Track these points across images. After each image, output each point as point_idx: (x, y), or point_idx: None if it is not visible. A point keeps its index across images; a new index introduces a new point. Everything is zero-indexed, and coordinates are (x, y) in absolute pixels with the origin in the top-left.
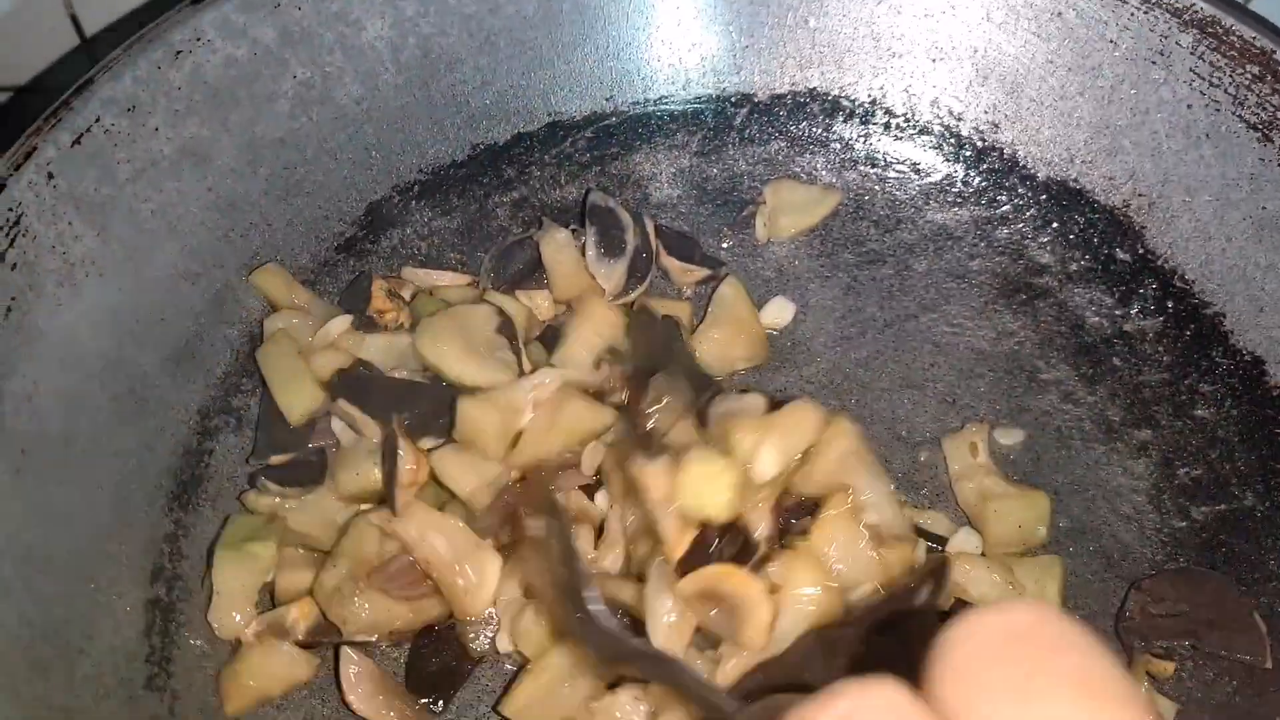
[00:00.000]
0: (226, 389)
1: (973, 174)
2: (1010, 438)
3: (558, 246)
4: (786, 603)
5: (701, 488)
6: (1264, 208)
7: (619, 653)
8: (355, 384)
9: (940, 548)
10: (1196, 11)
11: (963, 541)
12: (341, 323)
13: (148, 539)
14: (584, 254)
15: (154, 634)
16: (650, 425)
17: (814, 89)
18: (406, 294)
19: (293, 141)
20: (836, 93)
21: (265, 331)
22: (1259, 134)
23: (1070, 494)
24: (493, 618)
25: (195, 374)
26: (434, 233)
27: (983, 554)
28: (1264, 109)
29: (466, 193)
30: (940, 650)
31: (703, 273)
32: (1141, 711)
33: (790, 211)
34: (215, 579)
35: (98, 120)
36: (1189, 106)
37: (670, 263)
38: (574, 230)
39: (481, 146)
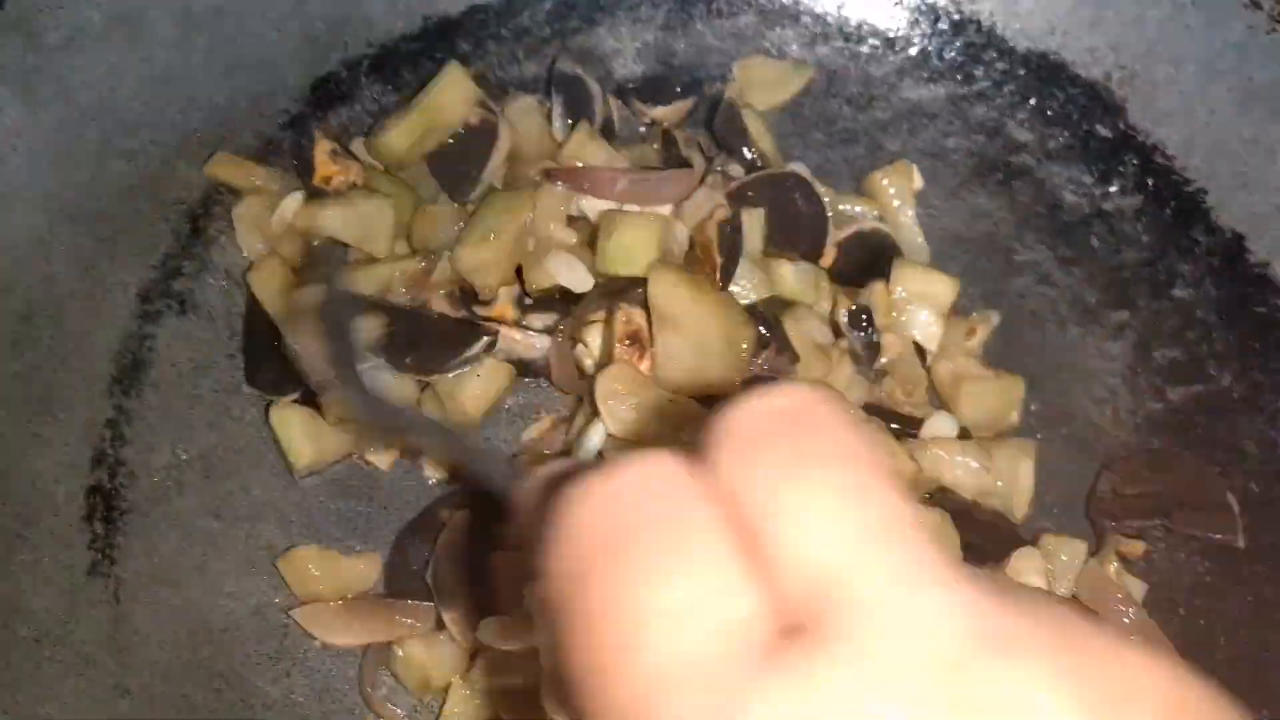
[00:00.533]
0: (167, 272)
1: (949, 48)
2: (985, 321)
3: (522, 113)
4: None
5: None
6: (1251, 78)
7: (393, 423)
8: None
9: (914, 433)
10: None
11: (937, 426)
12: (293, 201)
13: (87, 424)
14: (550, 123)
15: (96, 520)
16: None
17: None
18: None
19: (232, 11)
20: None
21: (235, 222)
22: (1247, 0)
23: (1045, 377)
24: None
25: (133, 255)
26: (385, 109)
27: (958, 437)
28: None
29: (419, 68)
30: (717, 425)
31: (687, 104)
32: (899, 478)
33: (760, 88)
34: None
35: None
36: None
37: (650, 110)
38: (539, 100)
39: (434, 19)
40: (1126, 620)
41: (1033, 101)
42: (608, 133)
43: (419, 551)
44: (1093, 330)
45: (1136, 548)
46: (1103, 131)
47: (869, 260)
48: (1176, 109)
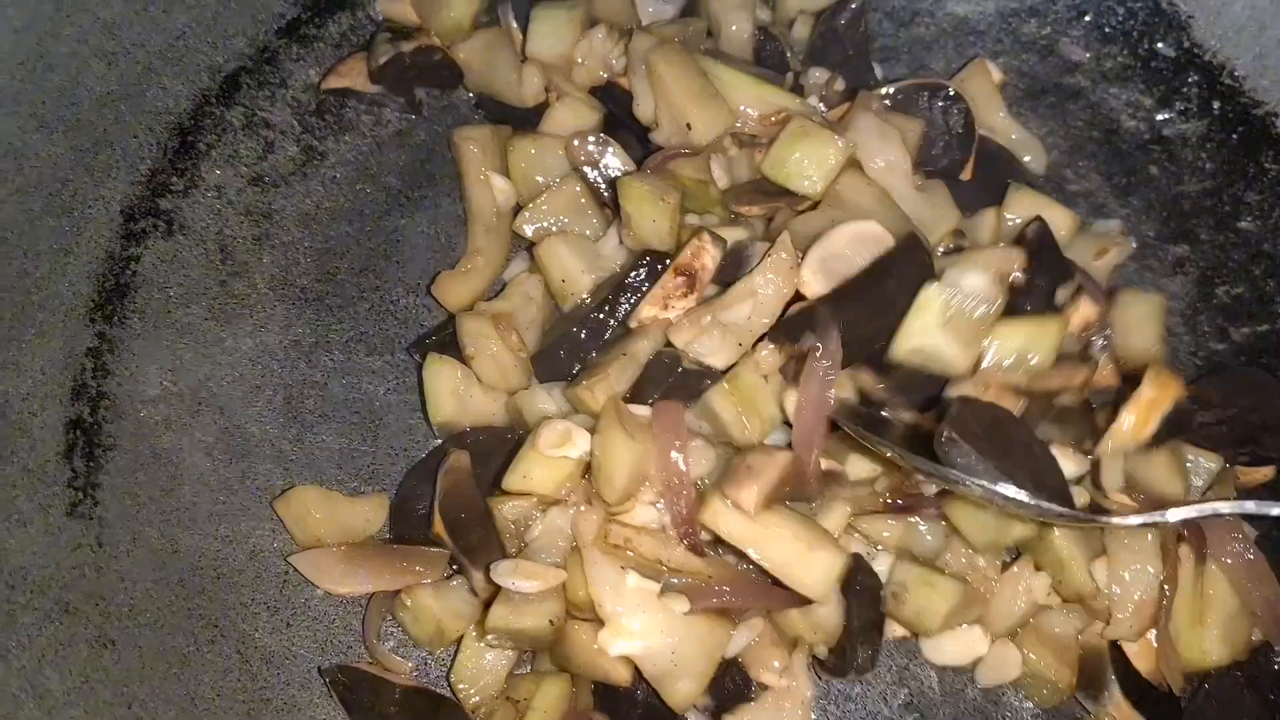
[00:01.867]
0: (154, 189)
1: None
2: (1118, 242)
3: None
4: None
5: None
6: None
7: None
8: None
9: None
10: None
11: None
12: None
13: (66, 352)
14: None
15: (76, 457)
16: None
17: None
18: None
19: None
20: None
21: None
22: None
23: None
24: None
25: (115, 169)
26: (389, 15)
27: None
28: None
29: None
30: None
31: None
32: None
33: None
34: None
35: None
36: None
37: None
38: None
39: None
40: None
41: (1088, 17)
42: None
43: (428, 494)
44: (1150, 265)
45: (1256, 474)
46: (1165, 50)
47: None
48: (1246, 24)
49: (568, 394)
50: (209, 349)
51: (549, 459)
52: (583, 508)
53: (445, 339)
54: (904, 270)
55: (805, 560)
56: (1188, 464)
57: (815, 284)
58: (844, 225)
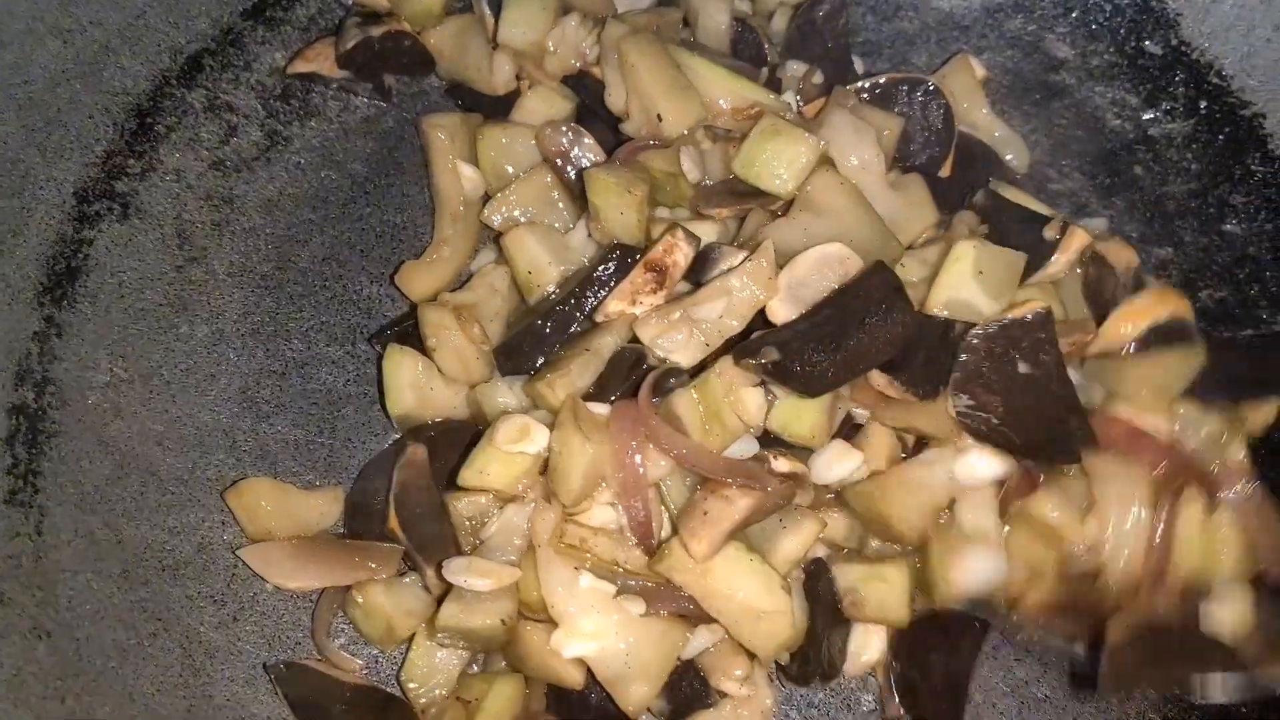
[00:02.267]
0: (109, 171)
1: None
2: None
3: None
4: None
5: None
6: None
7: None
8: None
9: None
10: None
11: None
12: None
13: (10, 335)
14: None
15: (18, 444)
16: None
17: None
18: None
19: None
20: None
21: None
22: None
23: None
24: None
25: (69, 150)
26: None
27: None
28: None
29: None
30: None
31: None
32: None
33: None
34: None
35: None
36: None
37: None
38: None
39: None
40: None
41: (1075, 13)
42: None
43: (384, 488)
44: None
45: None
46: (1151, 48)
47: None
48: (1235, 23)
49: (527, 389)
50: (162, 335)
51: (506, 454)
52: (539, 505)
53: (407, 330)
54: (868, 296)
55: (754, 625)
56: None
57: (782, 310)
58: (809, 250)
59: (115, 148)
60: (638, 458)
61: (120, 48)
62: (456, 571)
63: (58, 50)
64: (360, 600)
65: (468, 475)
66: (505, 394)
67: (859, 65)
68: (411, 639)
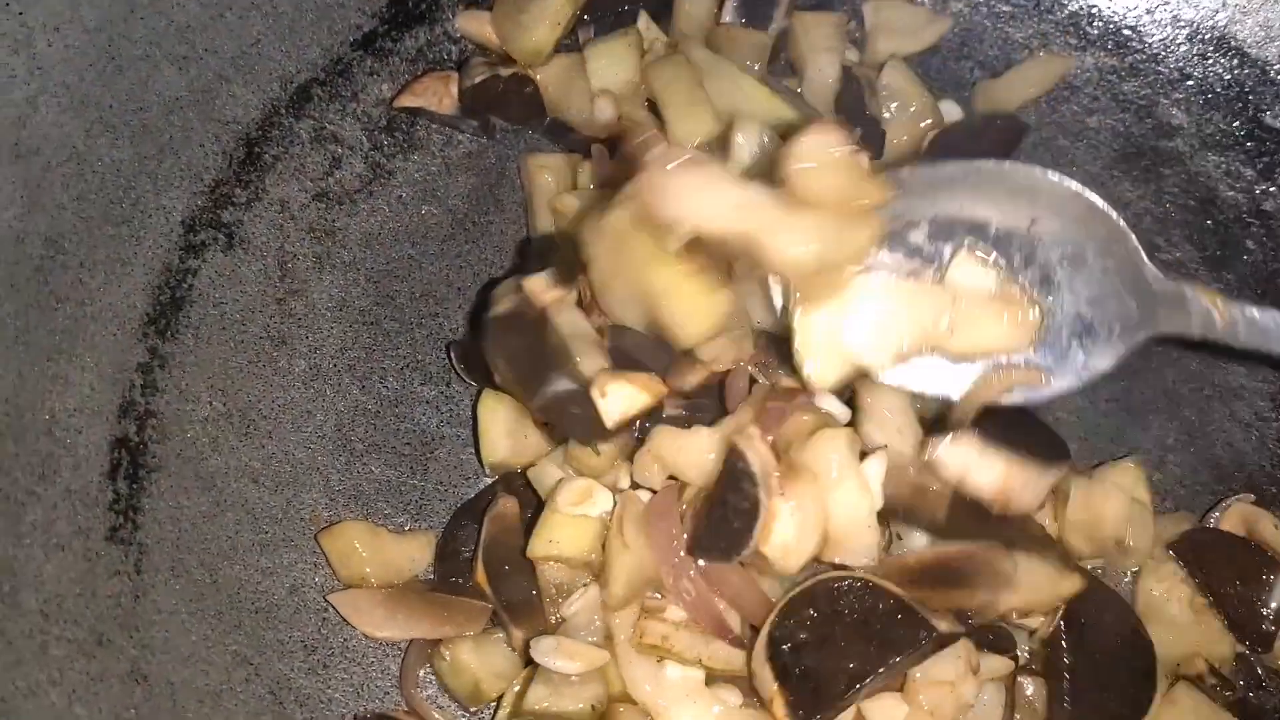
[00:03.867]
0: (216, 200)
1: (1103, 12)
2: None
3: None
4: None
5: None
6: None
7: None
8: None
9: None
10: None
11: None
12: None
13: (116, 367)
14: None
15: (120, 478)
16: None
17: None
18: None
19: None
20: None
21: None
22: None
23: (1183, 393)
24: None
25: (179, 178)
26: (468, 33)
27: None
28: None
29: None
30: None
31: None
32: None
33: (890, 34)
34: None
35: None
36: None
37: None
38: None
39: None
40: None
41: (1191, 81)
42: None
43: (474, 537)
44: None
45: None
46: (1270, 121)
47: None
48: None
49: (569, 456)
50: (262, 369)
51: (572, 519)
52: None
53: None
54: None
55: None
56: None
57: None
58: None
59: (223, 176)
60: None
61: (233, 76)
62: (544, 652)
63: (173, 78)
64: (448, 657)
65: (536, 546)
66: (553, 468)
67: (955, 110)
68: (500, 699)
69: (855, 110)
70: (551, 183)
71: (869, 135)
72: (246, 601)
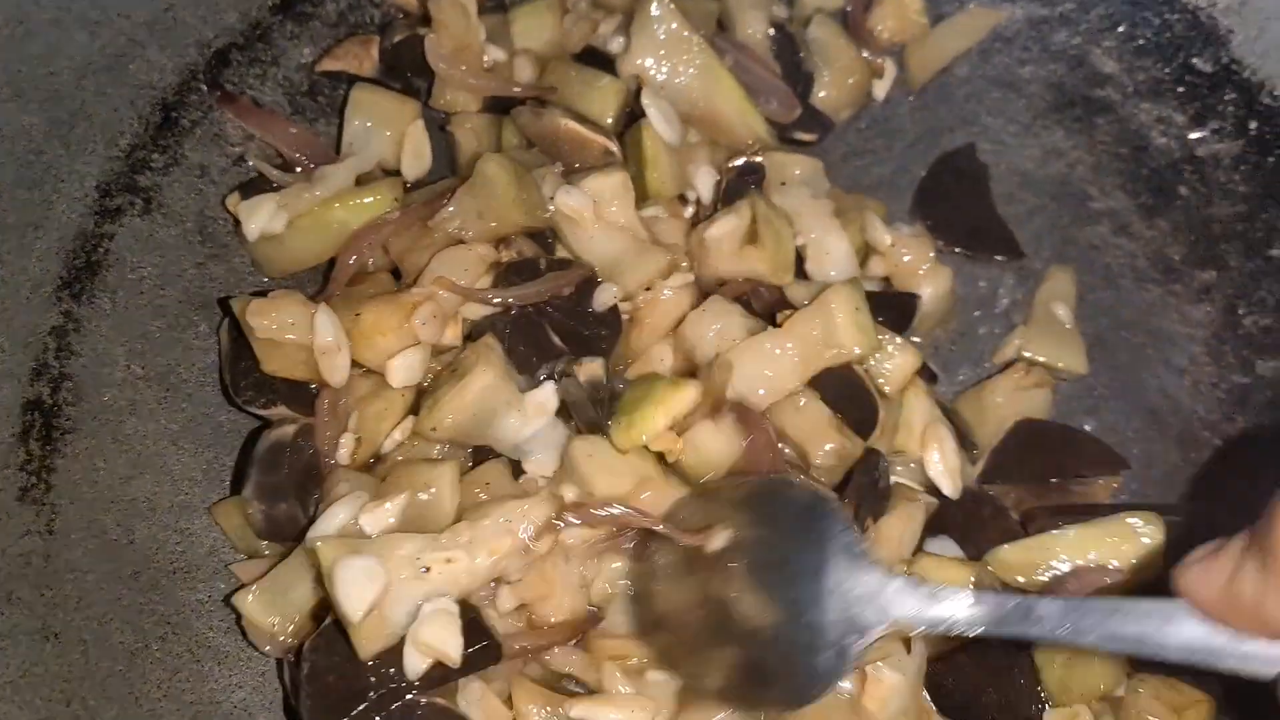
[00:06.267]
0: (132, 164)
1: None
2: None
3: None
4: None
5: None
6: None
7: None
8: None
9: None
10: None
11: None
12: None
13: (28, 330)
14: None
15: (32, 439)
16: None
17: None
18: None
19: None
20: None
21: None
22: None
23: (1116, 340)
24: None
25: (93, 142)
26: None
27: None
28: None
29: None
30: None
31: None
32: None
33: None
34: None
35: None
36: None
37: None
38: None
39: None
40: None
41: (1122, 28)
42: None
43: None
44: (1174, 290)
45: None
46: (1201, 65)
47: None
48: None
49: None
50: (182, 333)
51: None
52: None
53: None
54: None
55: None
56: None
57: None
58: None
59: (139, 141)
60: None
61: (148, 40)
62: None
63: (85, 42)
64: None
65: None
66: None
67: (891, 69)
68: None
69: (790, 66)
70: (474, 140)
71: (802, 92)
72: (164, 562)
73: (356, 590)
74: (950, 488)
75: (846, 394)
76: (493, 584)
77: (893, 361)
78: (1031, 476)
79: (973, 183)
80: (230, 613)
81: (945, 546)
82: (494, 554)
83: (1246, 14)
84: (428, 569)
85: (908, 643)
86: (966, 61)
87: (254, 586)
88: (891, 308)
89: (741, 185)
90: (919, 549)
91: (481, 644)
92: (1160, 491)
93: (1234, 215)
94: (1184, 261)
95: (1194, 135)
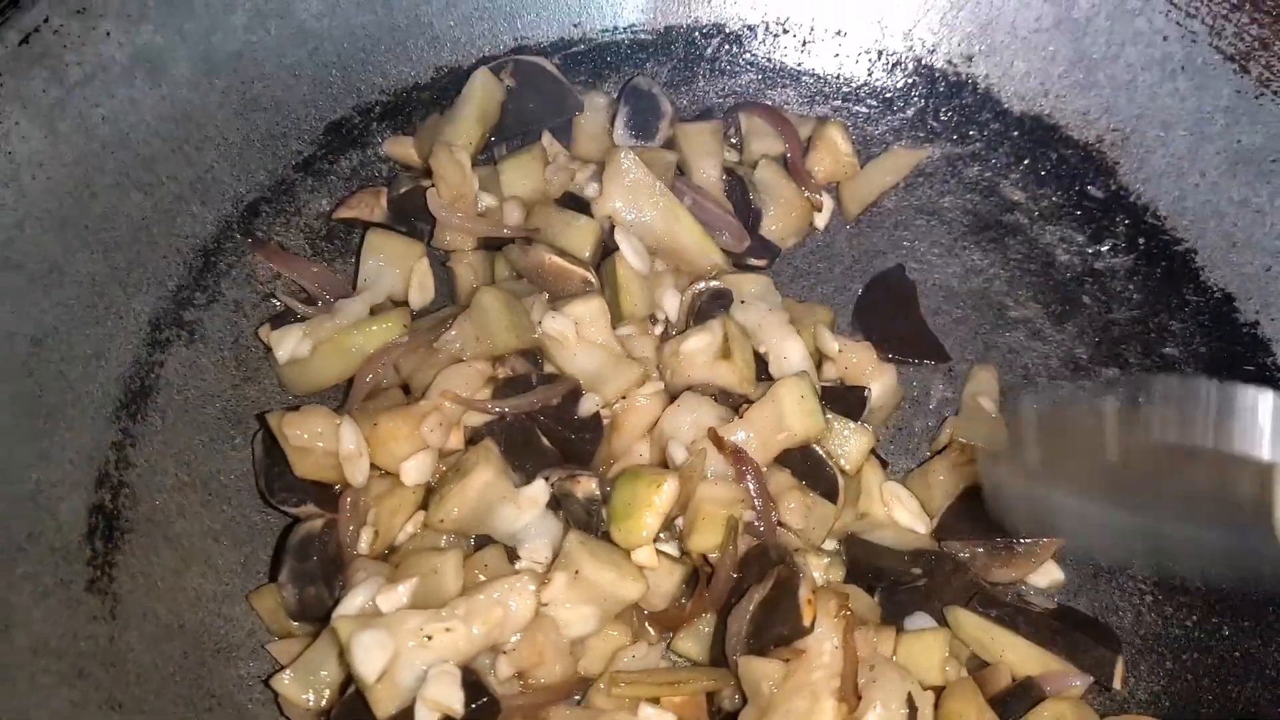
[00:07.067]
0: (179, 302)
1: (945, 109)
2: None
3: (593, 108)
4: None
5: None
6: (1239, 141)
7: None
8: None
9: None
10: None
11: None
12: None
13: (93, 445)
14: (612, 125)
15: (97, 538)
16: None
17: (787, 19)
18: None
19: (250, 55)
20: (810, 23)
21: None
22: (1236, 65)
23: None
24: None
25: (146, 285)
26: (394, 155)
27: None
28: (1242, 39)
29: (429, 116)
30: None
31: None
32: None
33: (762, 137)
34: None
35: (46, 20)
36: (1164, 38)
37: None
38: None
39: (445, 69)
40: None
41: (1026, 162)
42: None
43: None
44: (1083, 385)
45: None
46: (1094, 192)
47: None
48: (1166, 170)
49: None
50: (221, 445)
51: None
52: None
53: None
54: None
55: None
56: None
57: None
58: None
59: (184, 282)
60: None
61: (191, 197)
62: None
63: (139, 201)
64: None
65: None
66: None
67: (829, 203)
68: None
69: (741, 204)
70: (472, 276)
71: (752, 224)
72: (209, 643)
73: (370, 657)
74: (924, 527)
75: (810, 469)
76: (491, 654)
77: (849, 444)
78: (981, 534)
79: (903, 298)
80: (266, 688)
81: (919, 620)
82: (487, 624)
83: (1129, 148)
84: (430, 637)
85: None
86: (894, 194)
87: (289, 670)
88: (844, 400)
89: (713, 307)
90: (899, 631)
91: (482, 700)
92: None
93: (1130, 319)
94: (1090, 360)
95: (1092, 250)
